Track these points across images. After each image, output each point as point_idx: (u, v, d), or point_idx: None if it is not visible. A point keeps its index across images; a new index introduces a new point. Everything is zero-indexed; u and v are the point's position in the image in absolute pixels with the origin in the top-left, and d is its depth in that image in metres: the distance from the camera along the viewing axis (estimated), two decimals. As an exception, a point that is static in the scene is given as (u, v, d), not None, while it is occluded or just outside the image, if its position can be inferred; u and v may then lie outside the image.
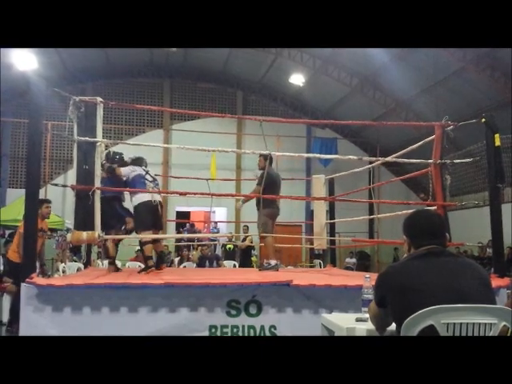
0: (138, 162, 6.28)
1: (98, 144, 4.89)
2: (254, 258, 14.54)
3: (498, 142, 4.94)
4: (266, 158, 6.65)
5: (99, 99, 5.00)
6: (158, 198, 6.04)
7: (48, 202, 7.16)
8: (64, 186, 6.43)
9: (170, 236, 14.62)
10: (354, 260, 17.27)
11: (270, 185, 6.47)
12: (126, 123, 18.61)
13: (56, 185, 6.19)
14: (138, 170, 6.09)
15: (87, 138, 4.83)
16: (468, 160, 6.19)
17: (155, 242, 6.23)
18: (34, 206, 4.22)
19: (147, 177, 6.10)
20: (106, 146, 6.30)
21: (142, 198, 5.89)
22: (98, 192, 4.84)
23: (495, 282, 4.26)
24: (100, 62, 17.31)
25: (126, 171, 6.04)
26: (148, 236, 5.95)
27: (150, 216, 5.93)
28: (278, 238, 11.68)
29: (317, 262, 15.73)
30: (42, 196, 12.74)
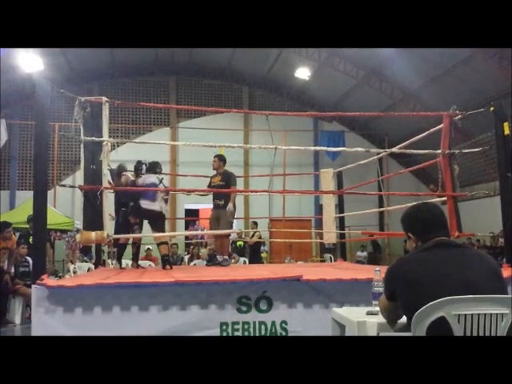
0: (152, 168, 6.44)
1: (105, 143, 4.89)
2: (264, 254, 14.52)
3: (507, 131, 4.90)
4: (222, 159, 6.83)
5: (104, 99, 5.01)
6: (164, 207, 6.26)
7: (8, 226, 7.41)
8: (71, 186, 6.48)
9: (176, 234, 14.66)
10: (365, 253, 17.20)
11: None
12: (132, 122, 18.60)
13: (64, 185, 6.22)
14: (153, 179, 6.18)
15: (93, 138, 4.84)
16: (477, 149, 6.14)
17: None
18: (43, 208, 4.23)
19: (160, 186, 6.17)
20: (113, 146, 6.35)
21: (149, 206, 6.10)
22: (106, 192, 4.86)
23: (508, 271, 4.23)
24: (106, 61, 17.32)
25: (140, 181, 6.33)
26: (155, 235, 5.98)
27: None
28: (288, 233, 11.71)
29: (327, 256, 15.69)
30: (50, 198, 12.79)
